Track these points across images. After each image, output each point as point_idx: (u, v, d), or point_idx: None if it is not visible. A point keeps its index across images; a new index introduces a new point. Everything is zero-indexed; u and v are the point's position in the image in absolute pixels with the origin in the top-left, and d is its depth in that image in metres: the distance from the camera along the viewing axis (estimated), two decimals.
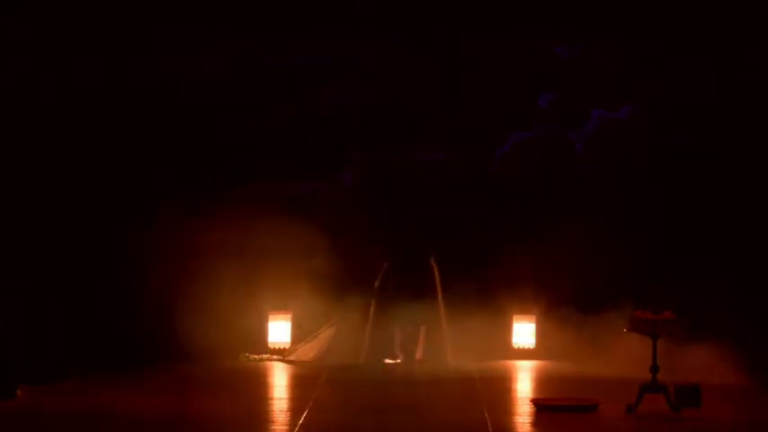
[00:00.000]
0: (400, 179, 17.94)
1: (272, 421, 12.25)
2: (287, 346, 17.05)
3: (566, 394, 13.42)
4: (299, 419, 11.74)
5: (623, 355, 15.04)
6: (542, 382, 15.70)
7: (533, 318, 17.39)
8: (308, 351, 16.06)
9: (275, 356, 16.67)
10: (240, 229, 16.89)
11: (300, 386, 14.43)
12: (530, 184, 18.01)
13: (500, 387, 14.93)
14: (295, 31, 17.93)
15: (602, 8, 17.80)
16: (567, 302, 17.07)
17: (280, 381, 15.24)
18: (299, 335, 16.96)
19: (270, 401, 13.76)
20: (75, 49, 16.64)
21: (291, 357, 16.26)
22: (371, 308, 15.70)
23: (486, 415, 12.05)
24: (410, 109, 18.13)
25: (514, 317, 17.41)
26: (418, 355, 15.90)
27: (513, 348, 17.40)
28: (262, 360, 16.66)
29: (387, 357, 15.66)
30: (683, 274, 16.58)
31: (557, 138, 18.25)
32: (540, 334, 17.28)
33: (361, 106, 18.13)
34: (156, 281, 16.20)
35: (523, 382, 15.86)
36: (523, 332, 17.45)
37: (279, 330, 17.19)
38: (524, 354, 17.34)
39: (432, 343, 15.59)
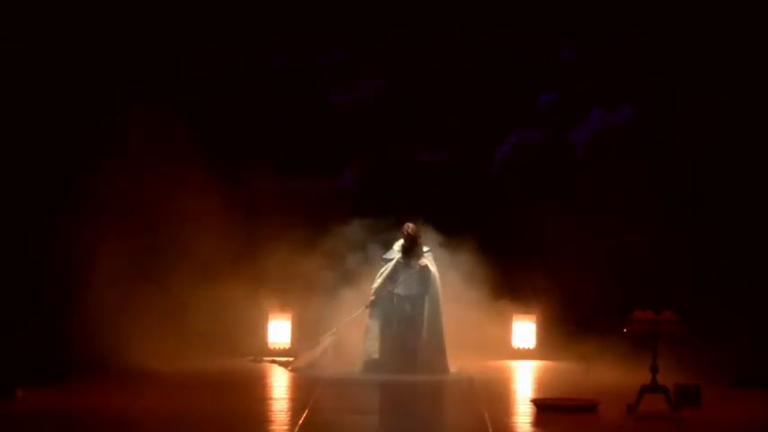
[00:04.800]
0: (400, 179, 17.94)
1: (272, 421, 12.25)
2: (287, 347, 17.05)
3: (566, 394, 13.42)
4: (299, 419, 11.74)
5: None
6: (542, 382, 15.70)
7: (533, 318, 17.40)
8: (308, 358, 15.94)
9: (277, 359, 16.64)
10: (240, 228, 16.89)
11: (300, 387, 14.42)
12: (529, 184, 18.00)
13: (500, 387, 14.93)
14: (295, 31, 17.94)
15: (602, 8, 17.81)
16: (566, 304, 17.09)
17: (279, 381, 15.24)
18: (298, 337, 16.96)
19: (269, 402, 13.75)
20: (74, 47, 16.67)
21: (293, 365, 16.12)
22: (367, 311, 15.59)
23: (486, 415, 12.05)
24: (410, 109, 18.13)
25: (514, 317, 17.42)
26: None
27: (513, 348, 17.41)
28: (263, 361, 16.66)
29: (384, 366, 15.44)
30: (684, 275, 16.61)
31: (557, 138, 18.25)
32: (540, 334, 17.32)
33: (361, 106, 18.13)
34: (156, 281, 16.19)
35: (523, 382, 15.86)
36: (523, 332, 17.46)
37: (279, 330, 17.20)
38: (524, 354, 17.35)
39: (432, 347, 15.44)
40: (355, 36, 18.07)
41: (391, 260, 15.67)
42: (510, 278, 17.09)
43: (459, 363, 15.67)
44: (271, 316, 17.21)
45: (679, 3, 17.59)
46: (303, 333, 16.82)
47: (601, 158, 17.92)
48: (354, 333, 15.65)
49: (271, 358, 16.77)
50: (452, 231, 16.62)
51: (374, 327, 15.51)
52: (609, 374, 15.28)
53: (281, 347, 17.09)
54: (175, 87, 17.12)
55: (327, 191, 17.83)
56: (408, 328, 15.45)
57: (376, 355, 15.43)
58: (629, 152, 17.70)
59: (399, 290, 15.59)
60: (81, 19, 16.70)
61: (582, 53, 18.08)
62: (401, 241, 15.72)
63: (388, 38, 18.05)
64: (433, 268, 15.57)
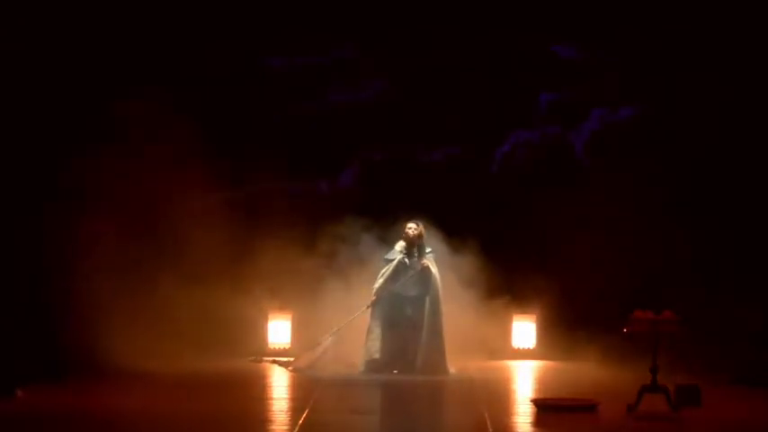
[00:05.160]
0: (401, 179, 17.93)
1: (272, 421, 12.24)
2: (287, 347, 17.05)
3: (566, 394, 13.41)
4: (299, 419, 11.73)
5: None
6: (542, 382, 15.69)
7: (533, 318, 17.40)
8: (308, 358, 15.89)
9: (278, 359, 16.62)
10: (240, 228, 16.90)
11: (300, 387, 14.41)
12: (529, 184, 17.99)
13: (500, 387, 14.93)
14: (295, 31, 17.94)
15: (602, 8, 17.80)
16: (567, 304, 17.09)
17: (279, 381, 15.23)
18: (299, 338, 16.95)
19: (269, 402, 13.75)
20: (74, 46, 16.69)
21: (294, 365, 16.08)
22: (369, 312, 15.56)
23: (486, 415, 12.04)
24: (410, 109, 18.12)
25: (514, 317, 17.42)
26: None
27: (513, 348, 17.41)
28: (264, 361, 16.65)
29: (386, 365, 15.40)
30: (684, 275, 16.62)
31: (557, 138, 18.24)
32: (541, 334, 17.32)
33: (362, 106, 18.13)
34: (155, 281, 16.19)
35: (523, 382, 15.85)
36: (523, 332, 17.45)
37: (279, 330, 17.20)
38: (524, 354, 17.34)
39: (432, 349, 15.40)
40: (355, 36, 18.07)
41: (393, 260, 15.65)
42: (510, 278, 17.09)
43: (459, 363, 15.65)
44: (270, 316, 17.22)
45: (679, 3, 17.58)
46: (303, 333, 16.81)
47: (601, 158, 17.92)
48: (355, 333, 15.63)
49: (271, 358, 16.77)
50: (452, 231, 16.59)
51: (376, 327, 15.49)
52: (609, 374, 15.29)
53: (281, 347, 17.09)
54: (175, 87, 17.11)
55: (327, 191, 17.82)
56: (409, 329, 15.42)
57: (377, 355, 15.41)
58: (629, 152, 17.69)
59: (400, 290, 15.57)
60: (80, 18, 16.71)
61: (582, 53, 18.07)
62: (403, 242, 15.69)
63: (388, 38, 18.04)
64: (434, 269, 15.53)
